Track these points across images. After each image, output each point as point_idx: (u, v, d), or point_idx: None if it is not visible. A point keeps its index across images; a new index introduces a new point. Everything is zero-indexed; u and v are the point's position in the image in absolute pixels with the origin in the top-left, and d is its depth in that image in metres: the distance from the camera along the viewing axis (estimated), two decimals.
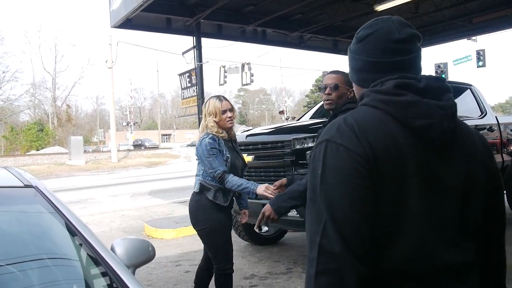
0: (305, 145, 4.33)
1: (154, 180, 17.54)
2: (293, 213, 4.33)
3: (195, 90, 7.79)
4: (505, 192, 6.08)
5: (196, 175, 3.12)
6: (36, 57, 75.21)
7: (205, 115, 3.11)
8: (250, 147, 4.81)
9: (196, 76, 7.73)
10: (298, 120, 6.73)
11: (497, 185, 1.13)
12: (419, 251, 0.98)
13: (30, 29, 79.97)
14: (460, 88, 6.43)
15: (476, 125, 5.89)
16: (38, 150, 40.43)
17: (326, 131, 1.03)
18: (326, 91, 2.50)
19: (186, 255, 5.63)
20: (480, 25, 8.82)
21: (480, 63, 19.50)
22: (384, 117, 1.01)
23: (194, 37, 7.83)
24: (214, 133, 3.05)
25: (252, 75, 21.70)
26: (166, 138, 66.72)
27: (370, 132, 0.98)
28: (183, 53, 8.27)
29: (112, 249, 1.78)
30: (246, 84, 22.14)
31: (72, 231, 1.51)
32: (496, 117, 6.20)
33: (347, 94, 2.49)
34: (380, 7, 7.08)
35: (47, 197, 1.65)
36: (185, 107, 8.25)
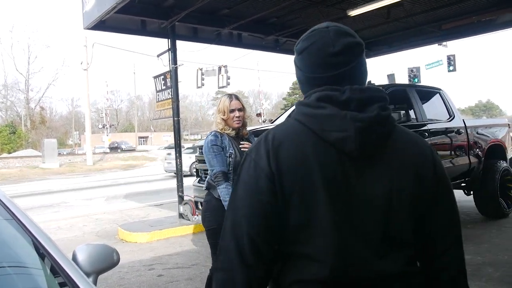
0: None
1: (130, 183, 17.30)
2: None
3: (170, 93, 7.69)
4: (471, 192, 6.26)
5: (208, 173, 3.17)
6: (8, 58, 73.31)
7: (217, 111, 3.15)
8: None
9: (171, 79, 7.64)
10: (272, 122, 6.74)
11: (438, 194, 1.10)
12: (337, 262, 0.99)
13: (2, 29, 77.63)
14: (430, 92, 6.58)
15: (446, 128, 6.04)
16: (10, 153, 39.29)
17: (253, 146, 1.09)
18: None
19: (159, 258, 5.55)
20: (449, 32, 9.02)
21: (451, 68, 20.05)
22: (303, 131, 1.03)
23: (169, 40, 7.73)
24: (219, 130, 3.06)
25: (228, 77, 21.73)
26: (143, 140, 65.89)
27: (283, 148, 1.02)
28: (158, 56, 8.17)
29: (74, 255, 1.72)
30: (223, 87, 22.13)
31: (29, 238, 1.45)
32: (463, 120, 6.36)
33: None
34: (353, 12, 7.16)
35: (2, 202, 1.59)
36: (160, 110, 8.15)
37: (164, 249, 6.03)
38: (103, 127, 36.97)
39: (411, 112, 5.62)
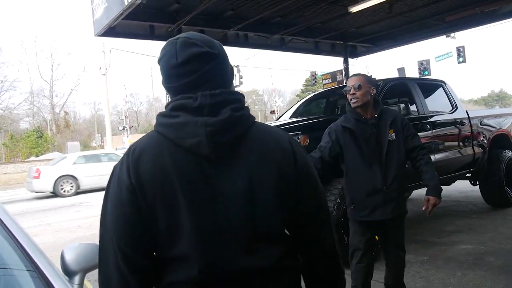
0: None
1: None
2: None
3: None
4: (477, 183, 6.15)
5: None
6: (33, 66, 74.84)
7: None
8: None
9: None
10: (278, 119, 6.72)
11: (300, 185, 1.11)
12: (205, 262, 1.02)
13: (27, 39, 79.23)
14: (432, 85, 6.47)
15: (448, 119, 5.93)
16: (37, 156, 40.15)
17: (120, 159, 1.11)
18: (351, 92, 2.73)
19: None
20: (453, 23, 8.85)
21: (461, 59, 19.75)
22: (162, 142, 1.06)
23: None
24: None
25: (241, 77, 21.70)
26: None
27: (143, 160, 1.04)
28: None
29: (62, 255, 1.76)
30: (236, 86, 22.07)
31: (8, 238, 1.49)
32: (466, 111, 6.23)
33: (369, 92, 2.73)
34: (354, 9, 7.08)
35: None
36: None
37: None
38: (123, 129, 37.37)
39: (413, 105, 5.53)
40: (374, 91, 2.79)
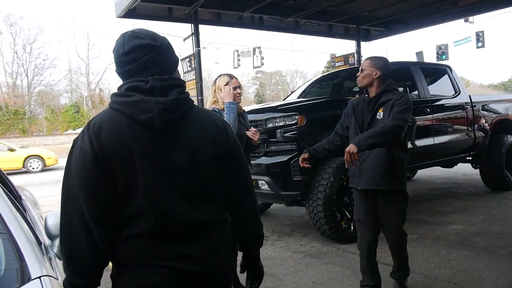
0: (276, 124, 4.31)
1: None
2: (265, 186, 4.37)
3: (195, 74, 7.76)
4: (478, 166, 6.01)
5: None
6: (71, 46, 75.71)
7: (214, 90, 3.08)
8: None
9: (195, 61, 7.70)
10: (284, 99, 6.66)
11: (230, 154, 1.34)
12: (158, 215, 1.18)
13: (65, 20, 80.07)
14: (436, 70, 6.29)
15: (450, 104, 5.76)
16: (74, 129, 41.24)
17: (80, 133, 1.22)
18: (358, 73, 2.92)
19: None
20: (466, 8, 8.46)
21: (480, 44, 18.90)
22: (118, 116, 1.19)
23: (192, 25, 7.75)
24: (218, 107, 3.01)
25: (262, 58, 21.48)
26: None
27: (103, 132, 1.17)
28: (184, 39, 8.24)
29: (45, 220, 1.83)
30: (257, 67, 21.97)
31: None
32: (469, 96, 6.02)
33: (371, 74, 2.83)
34: None
35: None
36: (187, 90, 8.25)
37: None
38: None
39: (413, 89, 5.39)
40: (378, 74, 2.83)
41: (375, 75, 2.83)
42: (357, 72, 2.94)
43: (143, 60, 1.22)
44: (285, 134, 4.22)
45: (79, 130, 37.97)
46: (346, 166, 2.63)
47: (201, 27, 8.31)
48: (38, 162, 14.74)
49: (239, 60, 21.58)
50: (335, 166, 4.21)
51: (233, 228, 1.42)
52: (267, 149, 4.35)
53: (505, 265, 3.45)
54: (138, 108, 1.18)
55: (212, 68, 62.24)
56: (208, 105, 3.21)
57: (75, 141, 1.21)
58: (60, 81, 51.58)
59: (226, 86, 3.02)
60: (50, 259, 1.68)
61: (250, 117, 4.57)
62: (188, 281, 1.21)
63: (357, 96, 3.17)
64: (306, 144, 4.24)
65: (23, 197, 2.65)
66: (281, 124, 4.27)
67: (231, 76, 3.14)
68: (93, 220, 1.15)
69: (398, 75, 5.37)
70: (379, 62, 2.90)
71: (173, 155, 1.21)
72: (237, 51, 21.18)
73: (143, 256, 1.18)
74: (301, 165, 2.98)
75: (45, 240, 1.88)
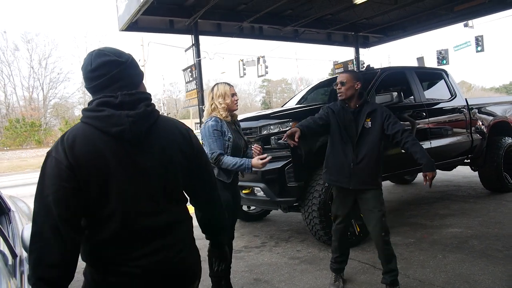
0: (270, 131, 4.24)
1: None
2: (260, 193, 4.28)
3: (196, 84, 7.74)
4: (476, 169, 5.86)
5: None
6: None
7: (212, 98, 3.02)
8: None
9: (195, 71, 7.67)
10: (282, 106, 6.57)
11: (196, 159, 1.41)
12: (126, 217, 1.24)
13: (78, 35, 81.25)
14: (431, 74, 6.18)
15: (446, 107, 5.63)
16: None
17: (53, 146, 1.25)
18: (338, 86, 3.06)
19: None
20: (462, 13, 8.34)
21: (479, 48, 18.72)
22: (90, 130, 1.24)
23: (193, 36, 7.74)
24: (218, 116, 2.96)
25: (266, 67, 21.48)
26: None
27: (77, 144, 1.22)
28: (185, 50, 8.22)
29: (22, 232, 1.77)
30: (262, 76, 22.00)
31: None
32: (466, 99, 5.89)
33: (354, 87, 3.00)
34: (358, 0, 6.78)
35: None
36: (189, 99, 8.23)
37: None
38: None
39: (409, 94, 5.28)
40: (359, 86, 3.02)
41: (356, 86, 3.01)
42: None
43: (109, 75, 1.27)
44: (279, 141, 4.13)
45: None
46: (429, 187, 3.03)
47: (207, 38, 8.32)
48: None
49: (244, 69, 21.65)
50: None
51: (202, 222, 1.56)
52: None
53: (501, 268, 3.32)
54: (109, 121, 1.23)
55: (220, 78, 62.68)
56: (205, 114, 3.12)
57: (48, 153, 1.24)
58: (74, 93, 52.16)
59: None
60: (22, 272, 1.62)
61: (244, 124, 4.52)
62: (156, 280, 1.28)
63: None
64: (301, 151, 4.16)
65: (12, 209, 2.60)
66: (275, 131, 4.19)
67: (228, 84, 3.08)
68: (67, 226, 1.18)
69: (393, 80, 5.29)
70: (357, 75, 3.10)
71: (143, 163, 1.27)
72: (242, 60, 21.25)
73: (114, 257, 1.25)
74: (288, 141, 2.97)
75: (23, 252, 1.82)
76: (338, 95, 3.07)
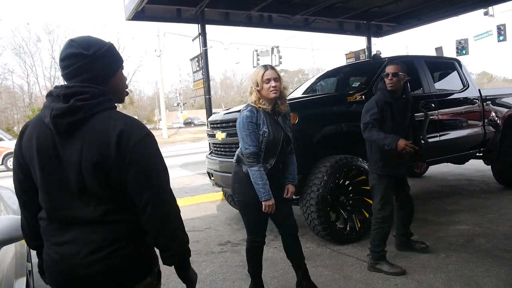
0: None
1: (192, 153, 17.73)
2: None
3: (203, 73, 7.59)
4: (489, 163, 5.57)
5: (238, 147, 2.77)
6: None
7: (251, 86, 2.68)
8: (224, 124, 4.60)
9: (202, 60, 7.52)
10: (290, 94, 6.35)
11: (123, 164, 1.25)
12: (50, 207, 1.31)
13: (97, 26, 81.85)
14: (443, 63, 5.88)
15: (457, 98, 5.34)
16: None
17: None
18: (390, 77, 3.23)
19: None
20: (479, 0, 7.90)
21: (501, 38, 18.06)
22: (38, 119, 1.32)
23: (199, 25, 7.57)
24: (254, 104, 2.62)
25: (280, 57, 21.26)
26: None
27: (25, 134, 1.34)
28: (192, 40, 8.06)
29: None
30: (276, 66, 21.73)
31: None
32: (479, 90, 5.57)
33: (403, 78, 3.26)
34: None
35: None
36: (196, 89, 8.10)
37: (190, 213, 6.07)
38: (178, 105, 38.28)
39: (418, 84, 5.00)
40: (406, 78, 3.28)
41: (404, 78, 3.26)
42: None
43: (74, 67, 1.29)
44: None
45: None
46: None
47: (225, 28, 8.14)
48: None
49: (258, 59, 21.43)
50: (329, 165, 3.93)
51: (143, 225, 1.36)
52: None
53: (507, 270, 3.09)
54: (44, 112, 1.28)
55: (235, 68, 62.30)
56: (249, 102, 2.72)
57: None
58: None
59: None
60: None
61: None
62: (59, 274, 1.32)
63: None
64: (299, 143, 3.97)
65: None
66: None
67: (265, 67, 2.67)
68: (21, 204, 1.43)
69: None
70: (404, 67, 3.31)
71: (66, 157, 1.27)
72: (256, 51, 21.02)
73: (45, 234, 1.36)
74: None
75: None
76: (389, 85, 3.24)
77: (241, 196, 2.78)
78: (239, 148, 2.74)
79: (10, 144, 14.47)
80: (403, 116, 3.31)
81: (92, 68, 1.29)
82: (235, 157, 2.80)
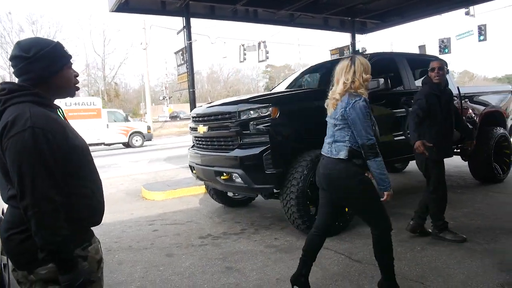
0: (250, 116, 4.06)
1: (176, 147, 17.62)
2: (239, 180, 4.13)
3: (187, 67, 7.52)
4: (466, 159, 5.67)
5: (336, 141, 2.55)
6: (88, 42, 75.74)
7: (354, 72, 2.49)
8: (206, 118, 4.57)
9: (186, 54, 7.45)
10: (271, 90, 6.35)
11: (5, 160, 1.31)
12: None
13: (82, 18, 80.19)
14: (423, 61, 5.91)
15: None
16: None
17: None
18: (436, 71, 3.70)
19: (163, 215, 5.55)
20: None
21: (482, 37, 18.43)
22: None
23: (184, 18, 7.48)
24: (362, 94, 2.49)
25: (267, 52, 21.25)
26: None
27: None
28: (177, 33, 7.98)
29: None
30: (262, 61, 21.79)
31: None
32: (458, 88, 5.67)
33: (445, 73, 3.83)
34: None
35: None
36: (180, 82, 8.03)
37: (172, 207, 6.03)
38: (163, 99, 37.94)
39: (398, 80, 5.06)
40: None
41: (446, 72, 3.81)
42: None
43: (16, 68, 1.41)
44: (257, 126, 3.96)
45: None
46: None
47: (212, 22, 8.05)
48: None
49: (245, 54, 21.36)
50: (309, 159, 3.95)
51: None
52: (241, 142, 4.10)
53: (478, 262, 3.18)
54: None
55: (222, 62, 61.87)
56: (338, 91, 2.54)
57: None
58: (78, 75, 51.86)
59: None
60: None
61: (223, 109, 4.36)
62: None
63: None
64: (280, 137, 3.98)
65: None
66: (254, 116, 4.02)
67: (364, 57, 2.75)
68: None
69: (383, 66, 5.06)
70: (444, 62, 3.90)
71: None
72: (243, 45, 20.94)
73: None
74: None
75: None
76: (436, 78, 3.69)
77: (361, 189, 2.53)
78: (344, 143, 2.52)
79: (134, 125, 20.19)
80: (449, 105, 3.73)
81: (31, 69, 1.39)
82: (344, 153, 2.50)
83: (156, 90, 51.87)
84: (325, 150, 2.64)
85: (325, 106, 2.69)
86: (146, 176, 9.41)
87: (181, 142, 21.00)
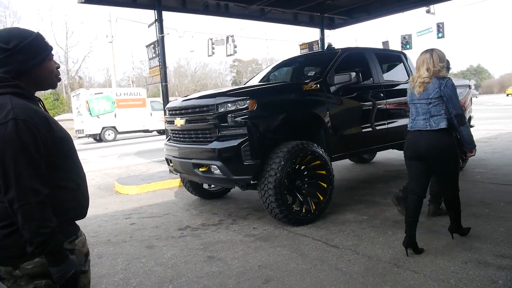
0: (228, 108, 4.09)
1: (146, 142, 17.34)
2: (217, 171, 4.16)
3: (159, 60, 7.42)
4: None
5: (433, 116, 3.06)
6: (49, 34, 72.53)
7: (433, 62, 3.07)
8: (183, 111, 4.56)
9: (158, 47, 7.34)
10: (245, 83, 6.40)
11: None
12: None
13: (42, 8, 76.34)
14: (390, 56, 6.18)
15: (402, 89, 5.65)
16: (54, 117, 39.78)
17: None
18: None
19: (139, 208, 5.50)
20: None
21: (440, 35, 19.13)
22: None
23: (155, 11, 7.36)
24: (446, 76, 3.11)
25: (235, 46, 21.14)
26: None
27: None
28: (148, 26, 7.83)
29: None
30: (230, 55, 21.66)
31: None
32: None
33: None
34: None
35: None
36: (152, 76, 7.90)
37: (147, 200, 5.98)
38: None
39: (368, 75, 5.25)
40: None
41: None
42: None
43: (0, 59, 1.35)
44: (235, 119, 4.00)
45: (58, 117, 36.87)
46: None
47: (180, 16, 7.92)
48: None
49: (213, 48, 21.21)
50: (286, 150, 4.04)
51: None
52: (219, 134, 4.13)
53: (443, 243, 3.40)
54: None
55: (190, 56, 61.03)
56: (425, 74, 3.09)
57: None
58: (59, 67, 49.56)
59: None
60: None
61: (201, 102, 4.37)
62: None
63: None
64: (258, 129, 4.05)
65: None
66: (232, 108, 4.06)
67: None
68: None
69: (353, 60, 5.23)
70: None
71: None
72: (211, 39, 20.78)
73: None
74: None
75: None
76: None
77: (457, 157, 3.19)
78: (441, 116, 3.03)
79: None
80: None
81: (11, 61, 1.34)
82: (445, 123, 3.03)
83: (122, 84, 50.48)
84: (420, 125, 3.13)
85: (410, 89, 3.23)
86: (117, 170, 9.24)
87: (149, 136, 20.67)
